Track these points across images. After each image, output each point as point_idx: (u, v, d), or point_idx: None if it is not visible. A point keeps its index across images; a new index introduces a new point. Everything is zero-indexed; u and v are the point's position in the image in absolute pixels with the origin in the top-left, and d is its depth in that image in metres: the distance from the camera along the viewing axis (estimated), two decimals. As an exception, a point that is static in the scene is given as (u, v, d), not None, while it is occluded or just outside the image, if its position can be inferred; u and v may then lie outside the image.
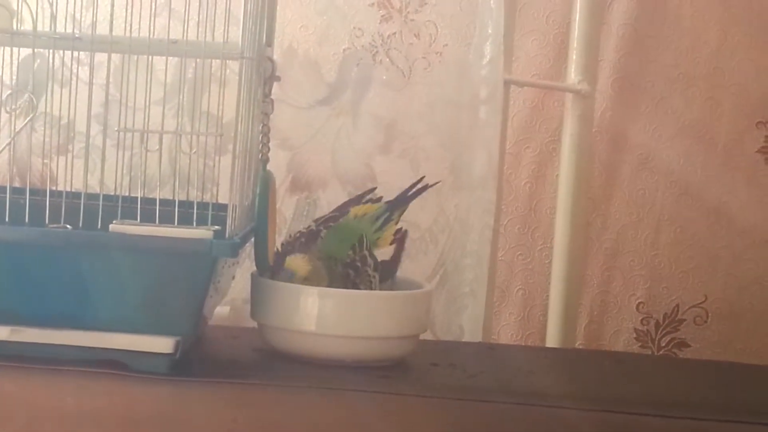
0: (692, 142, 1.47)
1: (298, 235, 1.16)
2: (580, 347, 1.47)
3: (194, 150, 1.08)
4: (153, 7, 1.05)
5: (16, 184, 1.15)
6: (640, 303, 1.48)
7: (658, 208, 1.48)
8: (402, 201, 1.20)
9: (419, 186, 1.21)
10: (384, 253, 1.19)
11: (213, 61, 1.10)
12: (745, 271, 1.47)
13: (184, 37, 1.06)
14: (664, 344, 1.48)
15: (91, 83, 1.06)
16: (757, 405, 1.10)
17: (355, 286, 1.13)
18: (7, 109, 1.10)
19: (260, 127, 1.14)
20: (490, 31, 1.37)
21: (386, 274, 1.17)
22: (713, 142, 1.47)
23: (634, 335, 1.49)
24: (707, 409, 1.06)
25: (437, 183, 1.27)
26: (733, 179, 1.47)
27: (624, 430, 0.99)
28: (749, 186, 1.47)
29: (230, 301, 1.34)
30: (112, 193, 1.12)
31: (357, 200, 1.21)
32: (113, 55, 1.08)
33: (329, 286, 1.13)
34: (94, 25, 1.08)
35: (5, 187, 1.06)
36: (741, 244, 1.47)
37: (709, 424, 1.01)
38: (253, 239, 1.11)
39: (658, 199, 1.48)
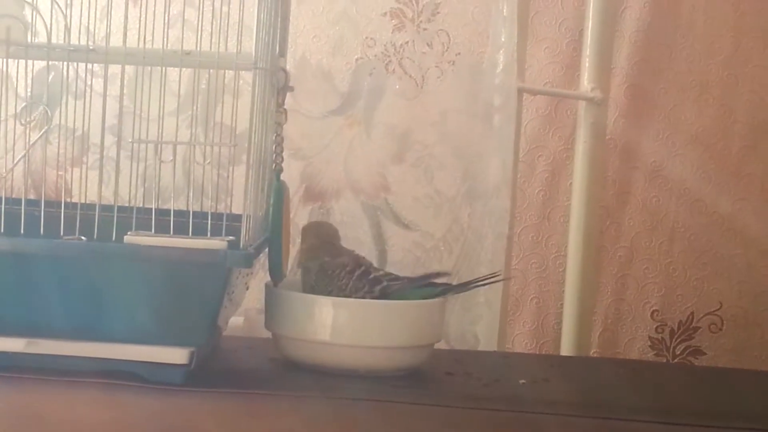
0: (705, 149, 1.47)
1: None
2: (595, 355, 1.46)
3: (208, 161, 1.09)
4: (166, 18, 1.05)
5: (31, 196, 1.16)
6: (654, 311, 1.48)
7: (672, 216, 1.48)
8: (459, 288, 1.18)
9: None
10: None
11: (226, 71, 1.10)
12: (760, 278, 1.47)
13: (198, 48, 1.07)
14: (678, 352, 1.48)
15: (105, 95, 1.07)
16: (771, 413, 1.10)
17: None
18: (22, 121, 1.10)
19: (274, 138, 1.14)
20: (503, 39, 1.37)
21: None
22: (726, 150, 1.47)
23: (649, 343, 1.48)
24: (723, 417, 1.05)
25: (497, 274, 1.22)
26: (746, 186, 1.47)
27: (638, 438, 0.99)
28: (762, 193, 1.47)
29: (244, 311, 1.35)
30: (127, 205, 1.12)
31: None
32: (127, 67, 1.09)
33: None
34: (107, 37, 1.09)
35: (20, 200, 1.06)
36: (755, 251, 1.47)
37: (724, 432, 1.01)
38: (267, 249, 1.11)
39: (672, 206, 1.47)
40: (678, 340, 1.48)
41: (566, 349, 1.43)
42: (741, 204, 1.46)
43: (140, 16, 1.06)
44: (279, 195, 1.12)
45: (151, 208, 1.05)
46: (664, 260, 1.48)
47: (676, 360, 1.48)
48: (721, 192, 1.46)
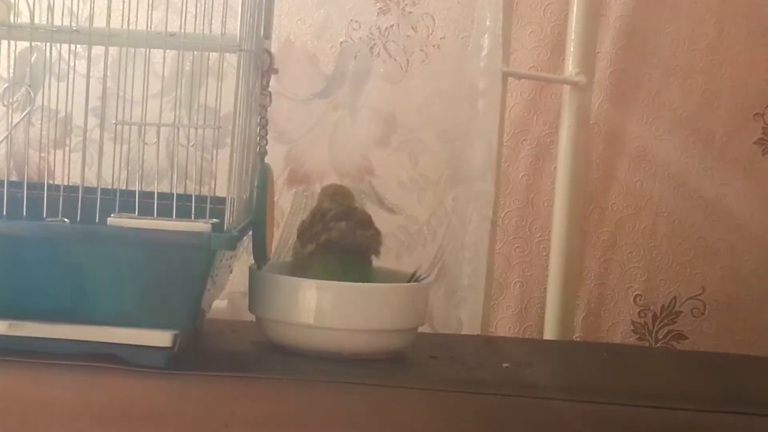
0: (689, 134, 1.47)
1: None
2: (578, 340, 1.47)
3: (192, 143, 1.08)
4: (150, -1, 1.05)
5: (14, 178, 1.15)
6: (637, 295, 1.48)
7: (656, 200, 1.48)
8: None
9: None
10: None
11: (211, 53, 1.09)
12: (743, 262, 1.47)
13: (182, 30, 1.06)
14: (661, 336, 1.49)
15: (88, 76, 1.06)
16: (754, 396, 1.10)
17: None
18: (5, 102, 1.10)
19: (258, 120, 1.14)
20: (487, 23, 1.36)
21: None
22: (710, 134, 1.47)
23: (632, 327, 1.49)
24: (704, 400, 1.06)
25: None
26: (730, 171, 1.47)
27: (621, 421, 0.99)
28: (746, 178, 1.47)
29: (228, 294, 1.34)
30: (110, 187, 1.12)
31: None
32: (111, 48, 1.08)
33: None
34: (91, 17, 1.08)
35: (2, 181, 1.05)
36: (738, 235, 1.47)
37: (706, 416, 1.01)
38: (251, 232, 1.11)
39: (656, 191, 1.48)
40: (660, 325, 1.48)
41: (549, 333, 1.44)
42: (725, 188, 1.47)
43: (124, -3, 1.06)
44: (263, 178, 1.11)
45: (135, 191, 1.04)
46: (648, 244, 1.48)
47: (658, 344, 1.48)
48: (704, 176, 1.47)
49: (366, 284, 1.14)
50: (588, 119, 1.44)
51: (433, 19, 1.44)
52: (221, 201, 1.04)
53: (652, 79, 1.47)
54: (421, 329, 1.17)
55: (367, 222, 1.16)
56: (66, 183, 1.12)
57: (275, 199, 1.33)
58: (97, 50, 1.11)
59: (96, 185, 1.07)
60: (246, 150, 1.10)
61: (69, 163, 1.13)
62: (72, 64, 1.16)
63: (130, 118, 1.06)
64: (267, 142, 1.15)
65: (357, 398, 1.00)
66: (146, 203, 1.03)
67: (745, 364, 1.28)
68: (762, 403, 1.07)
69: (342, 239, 1.14)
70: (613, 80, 1.46)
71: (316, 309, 1.10)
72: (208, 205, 1.05)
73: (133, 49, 1.09)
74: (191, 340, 1.09)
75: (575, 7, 1.41)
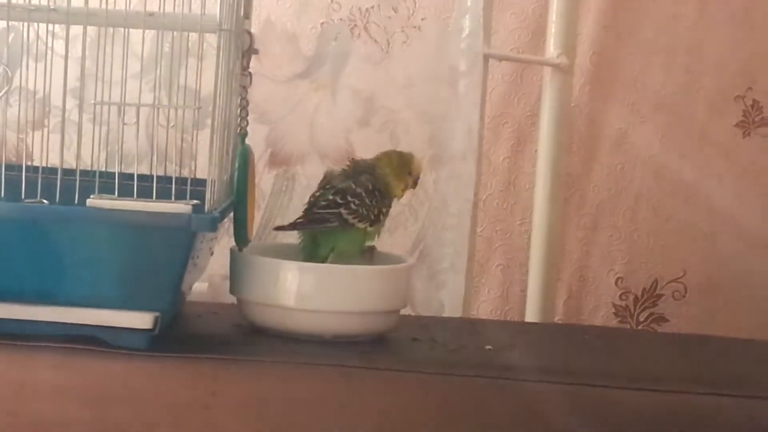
0: (670, 116, 1.47)
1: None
2: (559, 322, 1.47)
3: (172, 124, 1.07)
4: (130, -21, 1.04)
5: (-9, 160, 1.14)
6: (618, 278, 1.49)
7: (637, 183, 1.48)
8: None
9: None
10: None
11: (190, 33, 1.09)
12: (723, 245, 1.48)
13: (161, 10, 1.05)
14: (642, 319, 1.49)
15: (66, 57, 1.05)
16: (734, 378, 1.10)
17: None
18: (-18, 83, 1.08)
19: (238, 101, 1.13)
20: (468, 4, 1.36)
21: None
22: (691, 117, 1.47)
23: (613, 310, 1.49)
24: (685, 382, 1.06)
25: None
26: (711, 154, 1.47)
27: (602, 403, 0.99)
28: (727, 160, 1.47)
29: (208, 277, 1.34)
30: (89, 168, 1.11)
31: None
32: (89, 28, 1.07)
33: None
34: (69, -4, 1.07)
35: (-20, 163, 1.05)
36: (719, 218, 1.48)
37: (687, 397, 1.02)
38: (231, 214, 1.10)
39: (637, 174, 1.48)
40: (642, 308, 1.49)
41: (531, 316, 1.44)
42: (705, 171, 1.47)
43: (103, -24, 1.05)
44: (244, 159, 1.11)
45: (114, 172, 1.04)
46: (629, 227, 1.48)
47: (639, 327, 1.48)
48: (685, 159, 1.47)
49: (347, 266, 1.13)
50: (569, 102, 1.44)
51: (414, 0, 1.43)
52: (201, 183, 1.04)
53: (633, 60, 1.47)
54: (402, 312, 1.17)
55: (341, 191, 1.15)
56: (45, 164, 1.11)
57: (256, 180, 1.33)
58: (76, 30, 1.10)
59: (75, 166, 1.06)
60: (226, 131, 1.09)
61: (47, 145, 1.12)
62: (50, 44, 1.15)
63: (109, 99, 1.06)
64: (248, 123, 1.14)
65: (338, 380, 1.00)
66: (126, 185, 1.03)
67: (725, 346, 1.28)
68: (743, 384, 1.07)
69: (310, 204, 1.14)
70: (594, 62, 1.46)
71: (297, 291, 1.10)
72: (189, 187, 1.04)
73: (111, 29, 1.08)
74: (172, 323, 1.08)
75: (556, -12, 1.41)
